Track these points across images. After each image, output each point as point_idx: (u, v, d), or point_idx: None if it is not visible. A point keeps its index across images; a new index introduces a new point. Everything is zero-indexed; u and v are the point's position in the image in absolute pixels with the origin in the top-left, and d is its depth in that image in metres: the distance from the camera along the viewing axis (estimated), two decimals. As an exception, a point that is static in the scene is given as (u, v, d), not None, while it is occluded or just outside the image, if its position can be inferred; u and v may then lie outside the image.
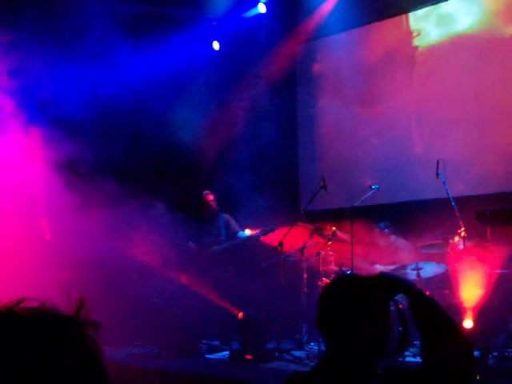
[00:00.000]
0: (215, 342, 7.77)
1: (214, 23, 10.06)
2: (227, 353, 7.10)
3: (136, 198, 7.57)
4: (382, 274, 2.21)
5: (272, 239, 7.80)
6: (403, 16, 9.21)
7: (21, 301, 0.92)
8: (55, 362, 0.87)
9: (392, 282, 2.15)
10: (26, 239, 6.81)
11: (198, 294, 7.64)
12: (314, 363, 6.20)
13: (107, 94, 7.77)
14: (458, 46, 8.62)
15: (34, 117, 7.09)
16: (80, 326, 0.93)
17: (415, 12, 9.09)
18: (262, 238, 8.09)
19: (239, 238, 8.25)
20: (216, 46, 10.11)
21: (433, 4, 8.88)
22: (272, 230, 7.86)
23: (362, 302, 2.07)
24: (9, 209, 6.76)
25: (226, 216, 8.53)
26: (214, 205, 8.46)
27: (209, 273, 8.04)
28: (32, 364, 0.85)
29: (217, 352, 7.43)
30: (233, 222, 8.48)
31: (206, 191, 8.52)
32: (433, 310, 2.08)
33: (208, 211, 8.42)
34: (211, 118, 9.61)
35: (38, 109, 7.17)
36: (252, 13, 9.91)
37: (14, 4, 7.16)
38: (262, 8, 9.82)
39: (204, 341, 7.72)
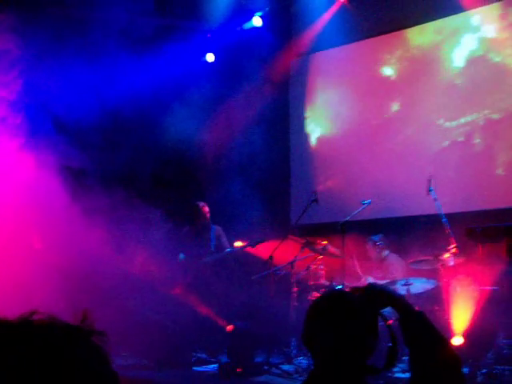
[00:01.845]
0: (204, 355, 7.73)
1: (209, 35, 10.13)
2: (216, 365, 7.07)
3: (134, 208, 7.57)
4: (371, 285, 2.20)
5: (263, 252, 7.79)
6: (398, 32, 9.26)
7: (33, 312, 0.98)
8: (72, 368, 0.93)
9: (381, 295, 2.14)
10: (16, 247, 6.78)
11: (187, 306, 7.61)
12: (302, 377, 6.20)
13: (106, 104, 7.80)
14: (453, 61, 8.69)
15: (34, 123, 7.13)
16: (87, 335, 0.99)
17: (411, 29, 9.13)
18: (253, 251, 8.08)
19: (230, 250, 8.22)
20: (210, 58, 10.15)
21: (428, 21, 8.92)
22: (261, 242, 7.87)
23: (350, 318, 2.06)
24: (2, 215, 6.74)
25: (218, 228, 8.51)
26: (208, 216, 8.46)
27: (198, 285, 8.01)
28: (50, 370, 0.92)
29: (205, 365, 7.39)
30: (224, 237, 8.46)
31: (202, 203, 8.50)
32: (422, 324, 2.07)
33: (201, 222, 8.41)
34: (205, 130, 9.63)
35: (40, 116, 7.21)
36: (247, 26, 9.97)
37: (20, 14, 7.18)
38: (257, 21, 9.88)
39: (193, 353, 7.68)
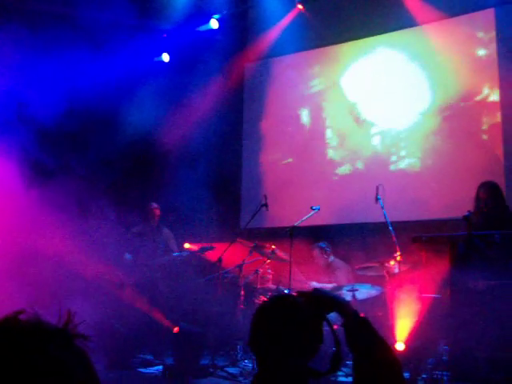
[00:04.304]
0: (149, 356, 7.67)
1: (164, 35, 10.09)
2: (161, 367, 7.02)
3: (87, 206, 7.47)
4: (317, 290, 2.23)
5: (211, 254, 7.80)
6: (349, 43, 9.40)
7: (19, 312, 0.99)
8: (56, 369, 0.94)
9: (326, 300, 2.17)
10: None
11: (133, 307, 7.54)
12: (247, 380, 6.23)
13: (64, 99, 7.71)
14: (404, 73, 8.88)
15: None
16: (70, 337, 1.00)
17: (363, 39, 9.29)
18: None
19: (177, 254, 8.18)
20: (166, 58, 10.12)
21: (385, 32, 9.07)
22: (210, 249, 7.88)
23: (295, 322, 2.08)
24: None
25: (168, 231, 8.47)
26: (158, 219, 8.42)
27: (145, 286, 7.95)
28: (34, 371, 0.92)
29: (150, 366, 7.33)
30: (172, 240, 8.43)
31: (155, 204, 8.44)
32: (366, 329, 2.11)
33: (151, 224, 8.36)
34: (157, 130, 9.57)
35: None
36: (204, 27, 9.96)
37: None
38: (214, 24, 9.88)
39: (137, 354, 7.61)
